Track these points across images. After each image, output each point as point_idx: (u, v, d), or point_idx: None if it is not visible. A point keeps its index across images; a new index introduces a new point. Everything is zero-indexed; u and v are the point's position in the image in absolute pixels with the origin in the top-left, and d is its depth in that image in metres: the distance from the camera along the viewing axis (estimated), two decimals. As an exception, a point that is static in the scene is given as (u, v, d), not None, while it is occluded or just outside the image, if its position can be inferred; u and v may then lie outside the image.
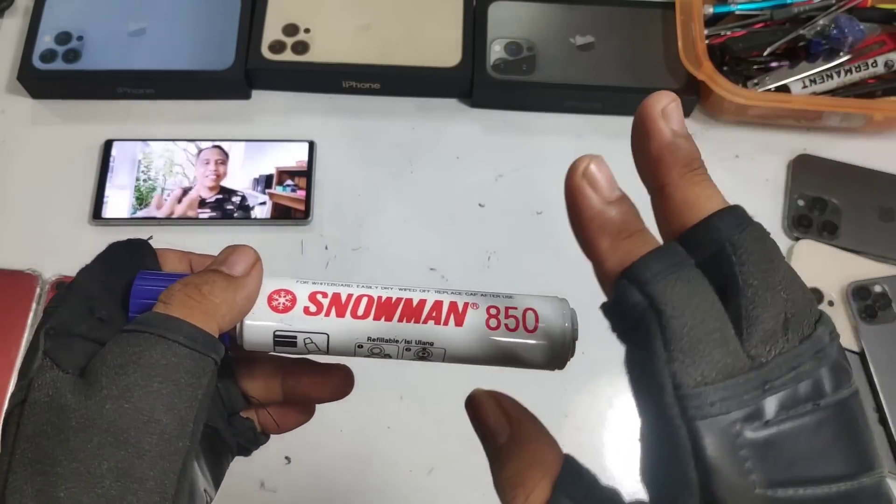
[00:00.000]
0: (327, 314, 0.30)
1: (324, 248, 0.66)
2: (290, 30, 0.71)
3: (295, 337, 0.30)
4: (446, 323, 0.30)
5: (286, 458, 0.58)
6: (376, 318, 0.30)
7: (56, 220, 0.66)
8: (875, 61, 0.70)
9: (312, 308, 0.30)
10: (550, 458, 0.27)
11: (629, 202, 0.25)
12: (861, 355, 0.62)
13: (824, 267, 0.65)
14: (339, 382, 0.34)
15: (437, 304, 0.30)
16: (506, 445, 0.27)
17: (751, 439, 0.20)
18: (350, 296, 0.30)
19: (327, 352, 0.31)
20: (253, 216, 0.65)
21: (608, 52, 0.72)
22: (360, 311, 0.30)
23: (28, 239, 0.65)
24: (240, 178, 0.67)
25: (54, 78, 0.68)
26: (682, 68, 0.69)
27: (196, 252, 0.32)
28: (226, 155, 0.67)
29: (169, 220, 0.65)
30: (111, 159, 0.67)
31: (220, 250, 0.31)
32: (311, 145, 0.68)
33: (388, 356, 0.31)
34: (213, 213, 0.65)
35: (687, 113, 0.72)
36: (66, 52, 0.69)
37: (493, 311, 0.30)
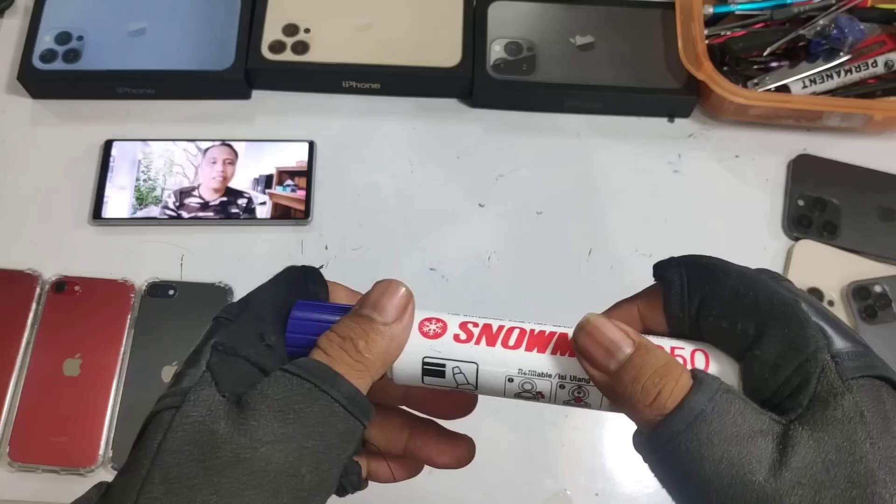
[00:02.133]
0: (477, 342, 0.29)
1: (324, 248, 0.66)
2: (290, 30, 0.71)
3: (444, 365, 0.29)
4: None
5: (286, 458, 0.58)
6: (528, 348, 0.29)
7: (56, 219, 0.66)
8: (875, 61, 0.70)
9: (462, 336, 0.29)
10: (672, 359, 0.27)
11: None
12: (861, 355, 0.62)
13: (824, 267, 0.65)
14: (462, 452, 0.33)
15: None
16: (634, 354, 0.26)
17: None
18: (501, 327, 0.29)
19: (476, 386, 0.29)
20: (254, 216, 0.65)
21: (608, 52, 0.72)
22: (512, 342, 0.29)
23: (28, 239, 0.65)
24: (240, 178, 0.67)
25: (54, 78, 0.68)
26: (682, 68, 0.69)
27: (363, 292, 0.32)
28: (235, 154, 0.67)
29: (169, 221, 0.65)
30: (111, 159, 0.67)
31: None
32: (311, 145, 0.68)
33: (539, 395, 0.29)
34: (216, 214, 0.65)
35: (687, 113, 0.72)
36: (66, 52, 0.69)
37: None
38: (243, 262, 0.65)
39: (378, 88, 0.71)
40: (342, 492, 0.34)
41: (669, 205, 0.69)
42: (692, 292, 0.29)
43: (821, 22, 0.69)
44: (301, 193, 0.66)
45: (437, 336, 0.29)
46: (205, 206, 0.65)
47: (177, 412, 0.25)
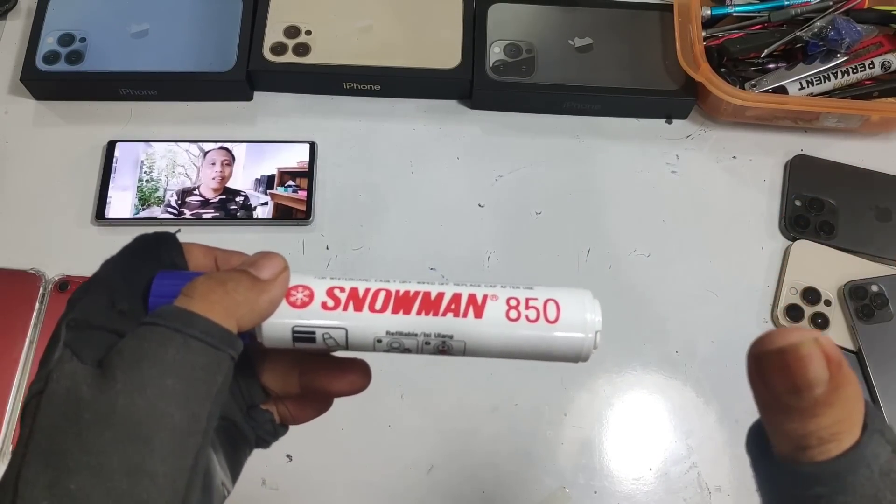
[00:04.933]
0: (345, 308, 0.30)
1: (325, 249, 0.66)
2: (292, 32, 0.71)
3: (314, 332, 0.30)
4: (465, 315, 0.30)
5: (287, 455, 0.59)
6: (394, 311, 0.30)
7: (59, 220, 0.66)
8: (872, 62, 0.70)
9: (330, 303, 0.30)
10: (861, 398, 0.25)
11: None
12: (858, 354, 0.63)
13: (821, 267, 0.66)
14: (355, 377, 0.34)
15: (456, 297, 0.30)
16: (824, 394, 0.24)
17: None
18: (368, 290, 0.30)
19: (347, 347, 0.30)
20: (254, 216, 0.66)
21: (607, 54, 0.72)
22: (378, 305, 0.30)
23: (31, 239, 0.65)
24: (242, 178, 0.67)
25: (57, 79, 0.69)
26: (680, 70, 0.69)
27: (221, 248, 0.33)
28: (232, 157, 0.68)
29: (171, 221, 0.66)
30: (114, 160, 0.67)
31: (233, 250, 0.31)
32: (313, 146, 0.69)
33: (407, 350, 0.30)
34: (217, 214, 0.66)
35: (685, 114, 0.73)
36: (69, 54, 0.69)
37: (512, 303, 0.30)
38: (245, 262, 0.65)
39: (378, 90, 0.72)
40: (262, 443, 0.35)
41: (667, 205, 0.70)
42: None
43: (818, 24, 0.70)
44: (302, 194, 0.67)
45: (304, 305, 0.30)
46: (205, 203, 0.66)
47: (43, 394, 0.25)
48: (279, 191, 0.67)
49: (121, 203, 0.66)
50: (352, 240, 0.67)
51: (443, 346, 0.30)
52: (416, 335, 0.30)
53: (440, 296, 0.30)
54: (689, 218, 0.69)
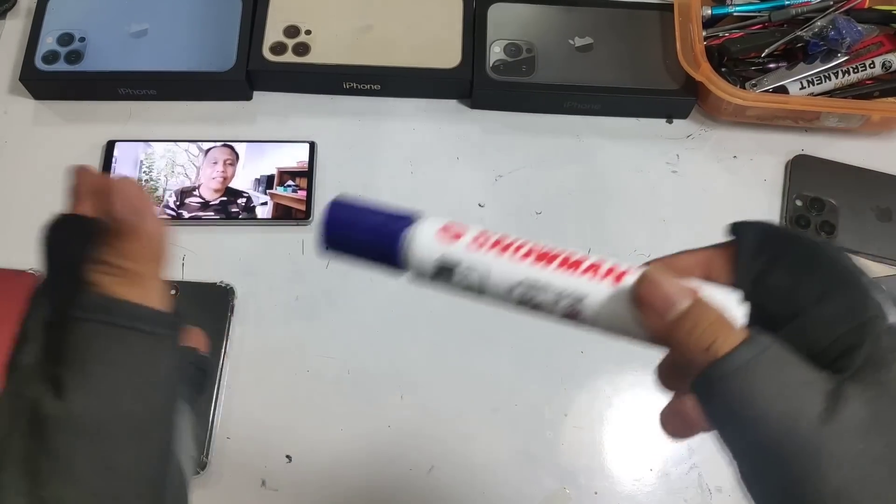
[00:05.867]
0: (490, 249, 0.31)
1: (325, 248, 0.66)
2: (291, 31, 0.71)
3: (455, 266, 0.31)
4: (603, 278, 0.30)
5: (287, 456, 0.59)
6: (536, 262, 0.31)
7: (59, 220, 0.66)
8: (872, 62, 0.70)
9: (480, 240, 0.31)
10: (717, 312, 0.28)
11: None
12: (858, 354, 0.62)
13: (822, 267, 0.66)
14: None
15: (596, 264, 0.30)
16: (693, 306, 0.27)
17: None
18: (514, 240, 0.32)
19: (481, 290, 0.31)
20: (254, 216, 0.66)
21: (607, 54, 0.72)
22: (521, 254, 0.31)
23: (31, 239, 0.65)
24: (241, 178, 0.67)
25: (57, 79, 0.69)
26: (680, 69, 0.69)
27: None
28: (236, 155, 0.68)
29: (171, 221, 0.65)
30: (113, 160, 0.67)
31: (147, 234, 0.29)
32: (312, 146, 0.69)
33: (537, 307, 0.31)
34: (216, 214, 0.66)
35: (685, 114, 0.73)
36: (68, 54, 0.69)
37: None
38: (244, 262, 0.65)
39: (378, 89, 0.72)
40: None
41: (668, 205, 0.70)
42: (764, 249, 0.30)
43: (819, 23, 0.70)
44: (302, 194, 0.67)
45: (456, 237, 0.31)
46: (205, 205, 0.66)
47: (4, 404, 0.26)
48: (279, 190, 0.67)
49: (120, 203, 0.66)
50: (352, 240, 0.67)
51: (572, 310, 0.30)
52: (548, 291, 0.30)
53: (582, 258, 0.31)
54: (690, 217, 0.69)
